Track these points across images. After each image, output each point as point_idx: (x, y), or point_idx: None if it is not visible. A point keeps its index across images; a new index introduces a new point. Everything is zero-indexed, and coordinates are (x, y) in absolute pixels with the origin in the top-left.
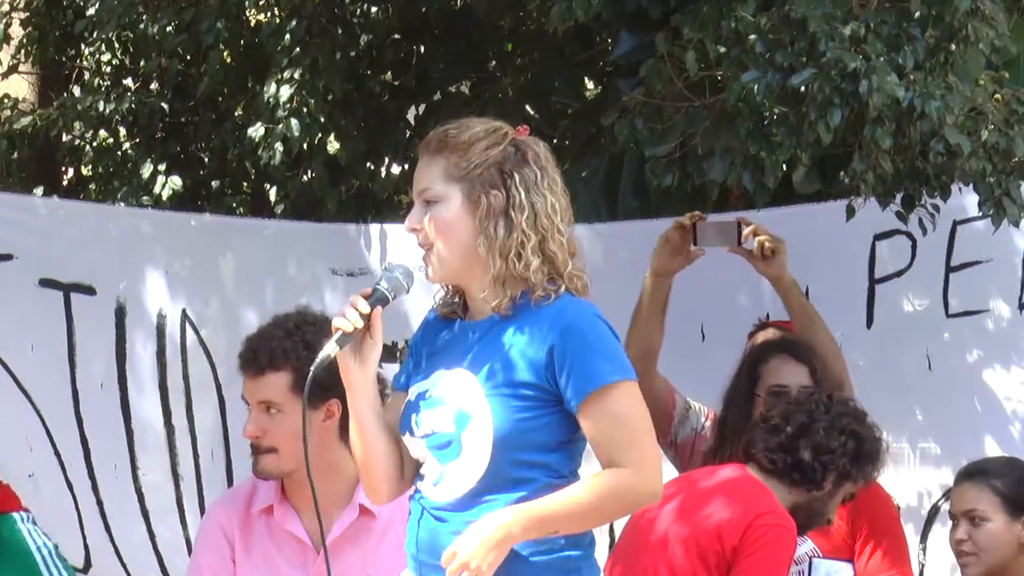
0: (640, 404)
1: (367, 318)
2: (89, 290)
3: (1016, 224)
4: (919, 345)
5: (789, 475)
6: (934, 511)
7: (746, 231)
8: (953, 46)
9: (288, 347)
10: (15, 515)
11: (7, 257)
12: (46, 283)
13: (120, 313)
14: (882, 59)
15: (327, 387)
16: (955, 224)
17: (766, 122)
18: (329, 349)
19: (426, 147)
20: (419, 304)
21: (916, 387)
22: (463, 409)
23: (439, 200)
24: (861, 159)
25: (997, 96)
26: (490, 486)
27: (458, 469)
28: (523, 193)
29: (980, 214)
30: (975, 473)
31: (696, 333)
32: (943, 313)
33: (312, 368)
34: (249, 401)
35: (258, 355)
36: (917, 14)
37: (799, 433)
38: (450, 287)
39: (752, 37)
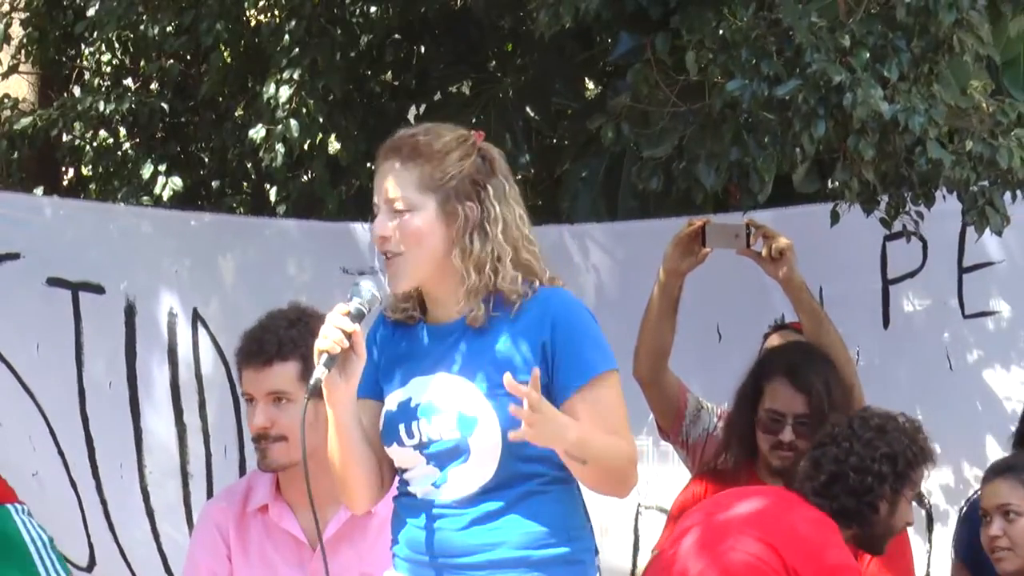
0: (621, 395)
1: (350, 337)
2: (98, 289)
3: (999, 233)
4: (939, 345)
5: (839, 518)
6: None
7: (755, 233)
8: (939, 57)
9: (295, 336)
10: (10, 507)
11: (14, 256)
12: (54, 282)
13: (130, 312)
14: (867, 72)
15: None
16: (964, 225)
17: (754, 129)
18: (319, 373)
19: (395, 153)
20: None
21: (937, 387)
22: (465, 413)
23: (412, 209)
24: (844, 168)
25: (983, 105)
26: (501, 483)
27: (466, 472)
28: (497, 206)
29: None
30: (1005, 469)
31: (713, 333)
32: (960, 314)
33: (306, 396)
34: (254, 394)
35: (265, 346)
36: (904, 23)
37: (832, 480)
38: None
39: (740, 44)
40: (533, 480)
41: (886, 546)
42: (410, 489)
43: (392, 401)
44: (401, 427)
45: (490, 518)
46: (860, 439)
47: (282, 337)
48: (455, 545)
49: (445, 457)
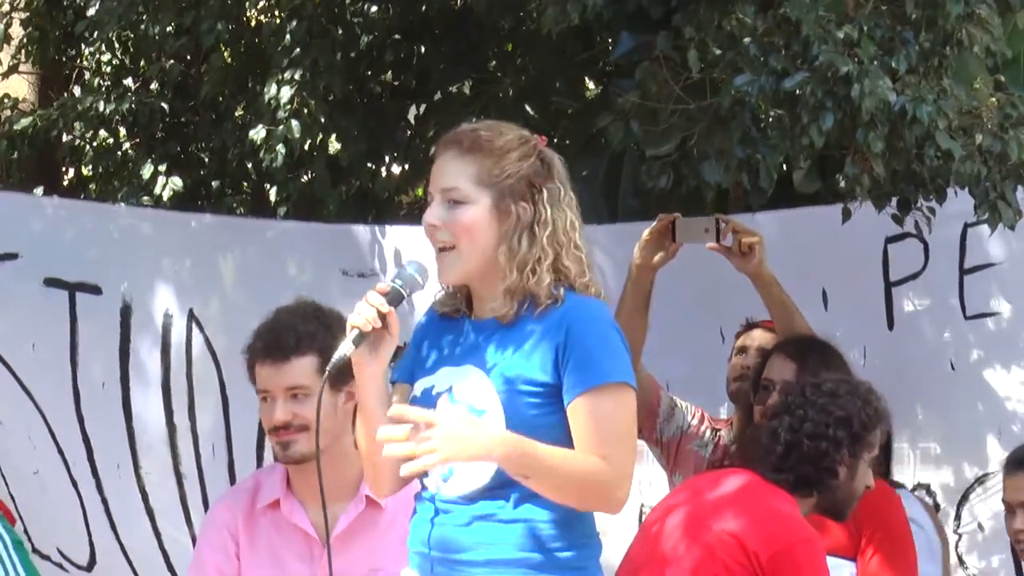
0: (631, 412)
1: (383, 317)
2: (95, 289)
3: (1011, 227)
4: (942, 347)
5: (799, 490)
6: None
7: (724, 228)
8: (947, 50)
9: (312, 330)
10: None
11: (12, 256)
12: (51, 282)
13: (126, 312)
14: (875, 63)
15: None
16: (966, 227)
17: (762, 125)
18: (345, 349)
19: (456, 144)
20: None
21: (939, 388)
22: (474, 405)
23: (466, 202)
24: (854, 163)
25: (992, 100)
26: (505, 481)
27: (470, 466)
28: (549, 209)
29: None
30: None
31: (716, 335)
32: (961, 315)
33: (328, 368)
34: (271, 390)
35: (283, 341)
36: (912, 16)
37: (788, 451)
38: (452, 286)
39: (747, 40)
40: None
41: (850, 512)
42: (426, 482)
43: (419, 387)
44: None
45: (493, 516)
46: (813, 405)
47: (300, 332)
48: (457, 541)
49: None
